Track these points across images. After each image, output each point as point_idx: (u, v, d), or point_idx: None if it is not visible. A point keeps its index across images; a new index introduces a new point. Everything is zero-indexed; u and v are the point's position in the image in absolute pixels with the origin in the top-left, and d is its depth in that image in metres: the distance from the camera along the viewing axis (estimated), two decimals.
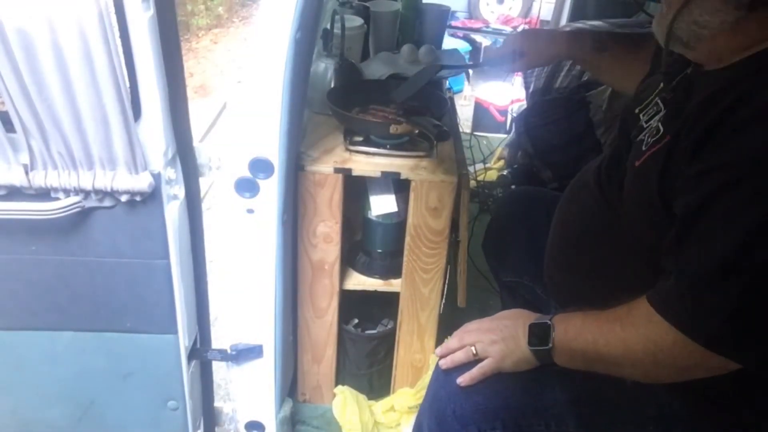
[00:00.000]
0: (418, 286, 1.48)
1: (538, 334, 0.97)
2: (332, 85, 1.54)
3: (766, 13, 0.82)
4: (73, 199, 1.03)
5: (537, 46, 1.34)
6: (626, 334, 0.88)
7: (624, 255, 1.02)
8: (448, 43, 3.89)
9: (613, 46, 1.33)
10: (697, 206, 0.81)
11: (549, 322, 0.97)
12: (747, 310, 0.79)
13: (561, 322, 0.96)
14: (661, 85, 1.01)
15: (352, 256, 1.56)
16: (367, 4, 1.88)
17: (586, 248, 1.11)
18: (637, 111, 1.05)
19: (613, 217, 1.04)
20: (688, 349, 0.82)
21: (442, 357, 1.06)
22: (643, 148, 0.95)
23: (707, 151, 0.81)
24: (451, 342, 1.06)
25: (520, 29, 4.56)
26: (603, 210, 1.07)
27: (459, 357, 1.03)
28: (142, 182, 1.01)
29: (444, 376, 1.04)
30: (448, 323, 1.48)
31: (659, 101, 1.00)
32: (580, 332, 0.93)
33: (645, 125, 0.99)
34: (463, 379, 1.00)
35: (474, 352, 1.01)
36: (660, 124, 0.94)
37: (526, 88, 2.87)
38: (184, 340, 1.21)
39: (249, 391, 1.41)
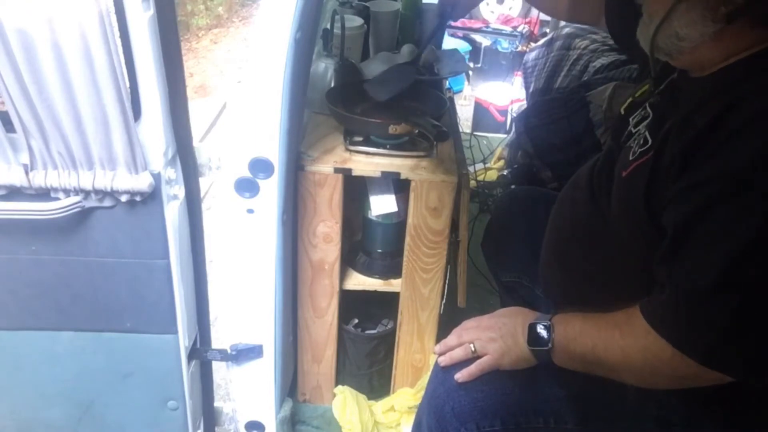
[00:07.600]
0: (418, 286, 1.48)
1: (538, 334, 0.97)
2: (332, 85, 1.54)
3: (744, 24, 0.82)
4: (73, 199, 1.03)
5: None
6: (625, 343, 0.88)
7: (614, 257, 1.02)
8: (448, 43, 3.90)
9: None
10: (692, 218, 0.80)
11: (549, 323, 0.97)
12: (743, 326, 0.78)
13: (561, 323, 0.96)
14: (650, 89, 1.01)
15: (352, 256, 1.55)
16: (367, 4, 1.88)
17: (578, 249, 1.11)
18: (625, 114, 1.05)
19: (604, 220, 1.04)
20: (686, 363, 0.82)
21: (440, 354, 1.06)
22: (630, 158, 0.95)
23: (699, 161, 0.80)
24: (450, 339, 1.06)
25: (520, 29, 4.56)
26: (594, 212, 1.07)
27: (457, 354, 1.03)
28: (142, 182, 1.01)
29: (443, 374, 1.04)
30: (448, 323, 1.48)
31: (647, 106, 1.00)
32: (579, 335, 0.93)
33: (633, 130, 0.99)
34: (461, 375, 1.00)
35: (473, 349, 1.01)
36: (647, 133, 0.94)
37: (526, 88, 2.87)
38: (184, 340, 1.21)
39: (249, 391, 1.41)
